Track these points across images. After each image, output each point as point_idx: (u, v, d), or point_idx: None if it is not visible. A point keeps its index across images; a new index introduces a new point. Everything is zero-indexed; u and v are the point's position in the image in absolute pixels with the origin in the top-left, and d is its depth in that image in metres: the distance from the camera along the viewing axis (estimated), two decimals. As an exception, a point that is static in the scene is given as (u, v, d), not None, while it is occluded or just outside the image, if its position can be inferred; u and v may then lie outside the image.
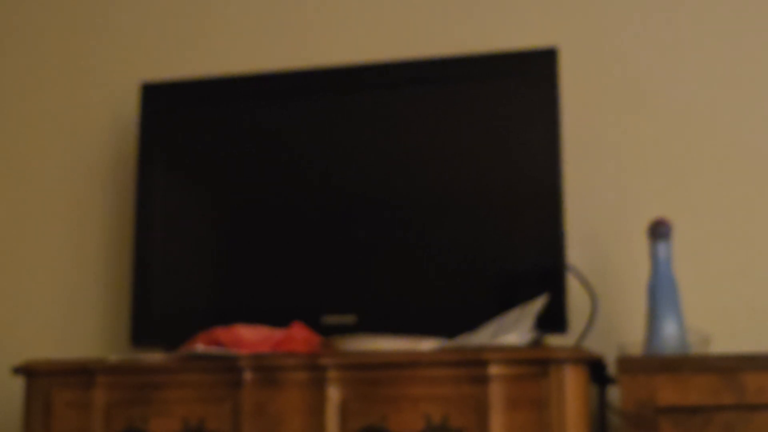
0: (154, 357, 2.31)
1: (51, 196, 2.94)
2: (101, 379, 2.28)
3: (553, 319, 2.31)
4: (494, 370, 2.07)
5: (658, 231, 2.19)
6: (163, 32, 2.96)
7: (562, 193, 2.36)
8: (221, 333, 2.27)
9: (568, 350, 2.05)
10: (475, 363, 2.08)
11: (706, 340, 2.23)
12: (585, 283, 2.47)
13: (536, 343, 2.24)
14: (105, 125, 2.94)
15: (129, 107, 2.93)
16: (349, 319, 2.43)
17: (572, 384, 2.05)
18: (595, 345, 2.52)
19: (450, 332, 2.35)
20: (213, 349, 2.24)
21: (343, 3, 2.84)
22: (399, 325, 2.39)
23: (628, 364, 2.02)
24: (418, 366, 2.12)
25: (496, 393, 2.07)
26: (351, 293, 2.44)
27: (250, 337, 2.27)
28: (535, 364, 2.06)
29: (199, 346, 2.26)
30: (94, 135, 2.95)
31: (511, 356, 2.07)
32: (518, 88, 2.43)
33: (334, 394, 2.15)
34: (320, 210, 2.49)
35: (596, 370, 2.23)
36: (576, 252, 2.58)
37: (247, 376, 2.20)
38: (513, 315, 2.23)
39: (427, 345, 2.23)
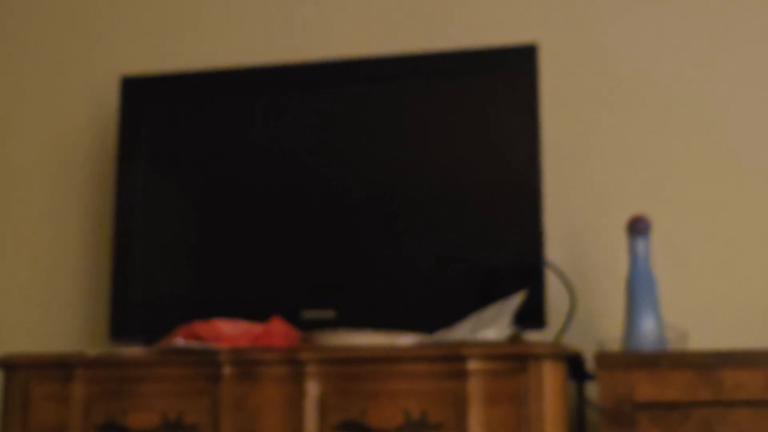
0: (133, 351, 2.30)
1: (30, 189, 2.93)
2: (80, 372, 2.27)
3: (532, 315, 2.31)
4: (473, 365, 2.07)
5: (637, 227, 2.19)
6: (144, 25, 2.95)
7: (541, 190, 2.37)
8: (200, 327, 2.27)
9: (547, 346, 2.05)
10: (453, 358, 2.08)
11: (684, 336, 2.24)
12: (564, 280, 2.48)
13: (515, 339, 2.25)
14: (85, 118, 2.93)
15: (109, 100, 2.92)
16: (328, 314, 2.43)
17: (551, 379, 2.06)
18: (573, 341, 2.53)
19: (429, 328, 2.35)
20: (192, 343, 2.24)
21: (324, -2, 2.85)
22: (378, 321, 2.39)
23: (606, 359, 2.02)
24: (397, 361, 2.12)
25: (474, 388, 2.07)
26: (330, 288, 2.44)
27: (230, 332, 2.27)
28: (513, 359, 2.07)
29: (179, 340, 2.25)
30: (74, 127, 2.94)
31: (489, 352, 2.07)
32: (498, 85, 2.44)
33: (312, 389, 2.15)
34: (299, 204, 2.49)
35: (575, 366, 2.24)
36: (555, 248, 2.58)
37: (226, 370, 2.19)
38: (492, 311, 2.24)
39: (406, 340, 2.23)
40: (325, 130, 2.51)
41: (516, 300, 2.23)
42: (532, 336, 2.53)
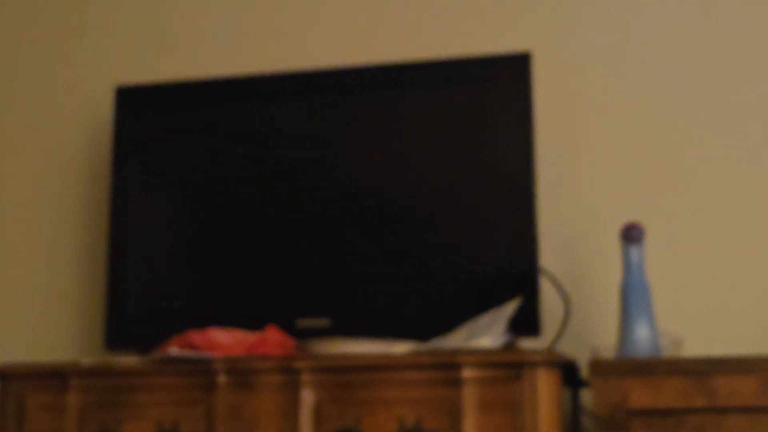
0: (128, 360, 2.30)
1: (25, 199, 2.93)
2: (75, 382, 2.27)
3: (527, 323, 2.32)
4: (467, 373, 2.08)
5: (631, 235, 2.20)
6: (138, 35, 2.95)
7: (535, 197, 2.37)
8: (195, 336, 2.27)
9: (541, 353, 2.06)
10: (448, 366, 2.09)
11: (678, 344, 2.24)
12: (558, 287, 2.48)
13: (509, 347, 2.25)
14: (80, 127, 2.94)
15: (104, 110, 2.92)
16: (323, 322, 2.43)
17: (545, 387, 2.06)
18: (568, 348, 2.53)
19: (424, 335, 2.35)
20: (187, 353, 2.24)
21: (318, 7, 2.85)
22: (373, 329, 2.39)
23: (600, 367, 2.03)
24: (392, 369, 2.12)
25: (469, 396, 2.07)
26: (325, 296, 2.44)
27: (225, 340, 2.27)
28: (508, 367, 2.07)
29: (174, 350, 2.25)
30: (68, 137, 2.94)
31: (484, 359, 2.07)
32: (492, 93, 2.44)
33: (308, 397, 2.16)
34: (294, 213, 2.49)
35: (569, 373, 2.24)
36: (549, 255, 2.59)
37: (222, 379, 2.19)
38: (486, 318, 2.24)
39: (400, 348, 2.24)
40: (319, 139, 2.52)
41: (510, 307, 2.24)
42: (527, 343, 2.53)
